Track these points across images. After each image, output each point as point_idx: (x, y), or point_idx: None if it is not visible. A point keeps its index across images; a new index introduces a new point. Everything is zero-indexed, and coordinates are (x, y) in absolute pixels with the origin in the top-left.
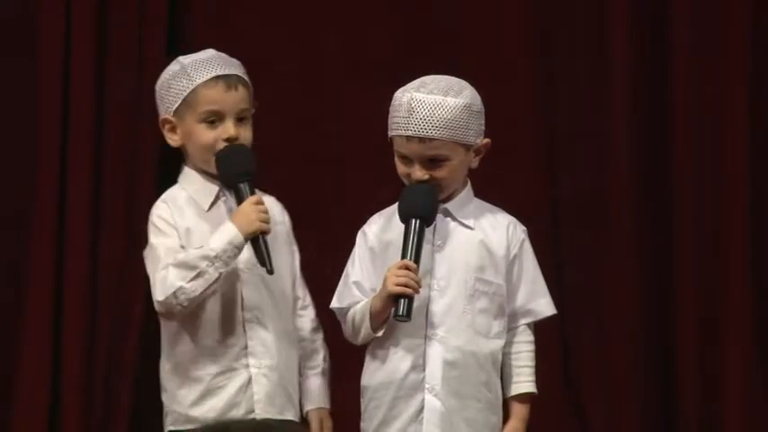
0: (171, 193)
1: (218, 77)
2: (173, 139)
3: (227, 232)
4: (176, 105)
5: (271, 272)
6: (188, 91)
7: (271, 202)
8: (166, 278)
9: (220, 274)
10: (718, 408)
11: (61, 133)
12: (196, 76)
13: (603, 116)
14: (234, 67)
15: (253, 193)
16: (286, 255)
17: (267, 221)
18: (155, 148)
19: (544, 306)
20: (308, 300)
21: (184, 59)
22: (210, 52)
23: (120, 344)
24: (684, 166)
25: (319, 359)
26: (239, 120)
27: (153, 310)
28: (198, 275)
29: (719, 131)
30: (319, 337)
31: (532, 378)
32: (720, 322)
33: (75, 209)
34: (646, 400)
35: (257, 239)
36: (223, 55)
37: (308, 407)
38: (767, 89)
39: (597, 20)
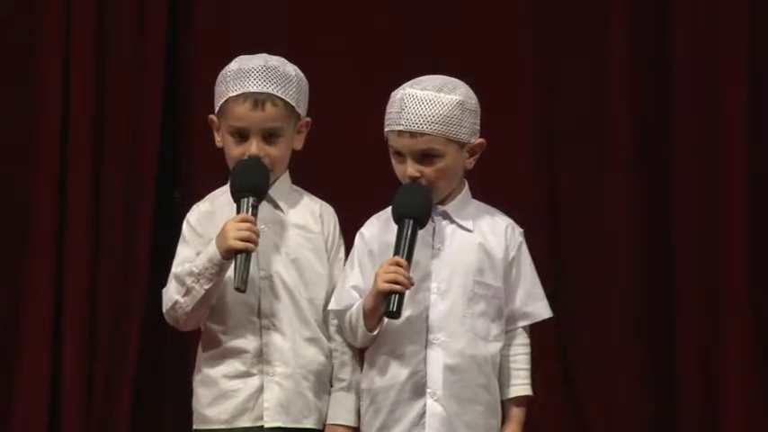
0: (210, 195)
1: (246, 94)
2: (216, 139)
3: (209, 250)
4: (217, 109)
5: (239, 289)
6: (222, 100)
7: (303, 212)
8: (168, 291)
9: (206, 290)
10: (718, 408)
11: (61, 133)
12: (231, 88)
13: (603, 116)
14: (271, 83)
15: (254, 209)
16: (318, 264)
17: (246, 239)
18: (155, 147)
19: (541, 309)
20: None
21: (234, 63)
22: (258, 61)
23: (121, 344)
24: (684, 166)
25: (346, 373)
26: (267, 137)
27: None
28: (187, 292)
29: (719, 131)
30: (350, 350)
31: (529, 381)
32: (720, 322)
33: (75, 209)
34: (645, 400)
35: (235, 256)
36: (273, 64)
37: (327, 420)
38: (767, 89)
39: (597, 20)
